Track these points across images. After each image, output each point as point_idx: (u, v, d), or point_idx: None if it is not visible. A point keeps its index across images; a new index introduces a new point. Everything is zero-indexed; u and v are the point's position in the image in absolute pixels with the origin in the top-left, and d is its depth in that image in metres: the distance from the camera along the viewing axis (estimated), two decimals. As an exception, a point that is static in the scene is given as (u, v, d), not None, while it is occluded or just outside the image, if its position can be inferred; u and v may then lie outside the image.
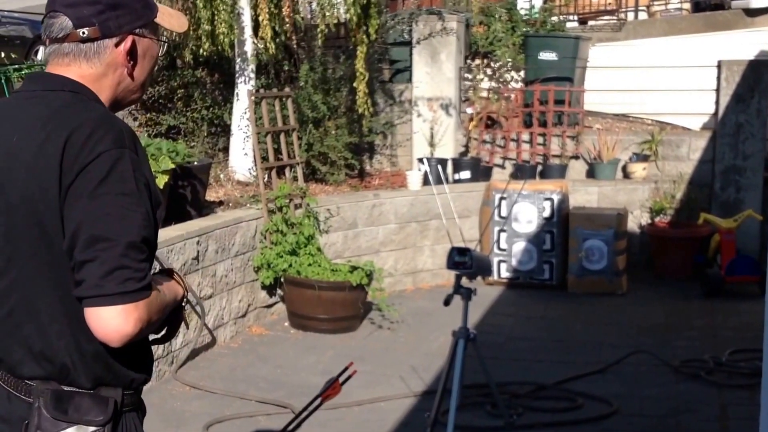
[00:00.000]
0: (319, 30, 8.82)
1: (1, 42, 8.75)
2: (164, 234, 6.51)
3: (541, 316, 8.10)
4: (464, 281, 4.75)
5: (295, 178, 8.30)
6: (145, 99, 9.78)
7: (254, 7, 8.84)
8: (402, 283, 8.96)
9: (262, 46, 8.82)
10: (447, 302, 4.68)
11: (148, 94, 9.77)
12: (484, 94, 10.73)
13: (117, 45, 2.08)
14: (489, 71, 11.10)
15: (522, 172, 9.93)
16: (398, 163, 10.55)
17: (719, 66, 9.84)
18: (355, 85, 9.04)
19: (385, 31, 10.57)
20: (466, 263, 4.68)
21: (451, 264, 4.72)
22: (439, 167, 9.10)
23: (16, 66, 9.19)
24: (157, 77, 9.89)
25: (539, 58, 10.50)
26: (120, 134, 1.96)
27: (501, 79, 10.98)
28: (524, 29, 11.04)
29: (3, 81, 8.48)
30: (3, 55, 8.67)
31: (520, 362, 6.78)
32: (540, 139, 10.22)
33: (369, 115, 9.38)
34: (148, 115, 9.70)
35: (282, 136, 8.31)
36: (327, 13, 8.94)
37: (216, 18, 8.60)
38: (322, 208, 8.29)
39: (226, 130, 9.49)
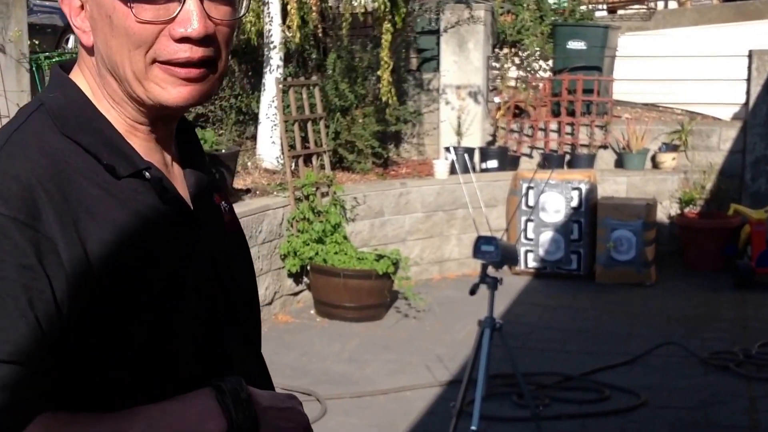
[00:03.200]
0: (344, 19, 8.81)
1: (32, 30, 8.82)
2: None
3: (568, 307, 8.05)
4: (490, 270, 4.73)
5: (322, 167, 8.30)
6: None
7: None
8: (428, 272, 8.94)
9: (291, 34, 8.82)
10: (473, 291, 4.66)
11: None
12: (512, 83, 10.68)
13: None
14: (517, 60, 11.04)
15: (550, 161, 9.86)
16: (425, 151, 10.52)
17: (750, 55, 9.73)
18: (379, 73, 9.03)
19: (412, 19, 10.54)
20: (492, 252, 4.66)
21: (477, 253, 4.70)
22: (466, 156, 9.07)
23: (47, 54, 9.24)
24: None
25: (568, 47, 10.43)
26: None
27: (529, 68, 10.92)
28: (553, 18, 10.97)
29: (34, 69, 8.54)
30: (37, 42, 8.77)
31: (546, 353, 6.74)
32: (568, 129, 10.15)
33: (393, 104, 9.37)
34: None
35: (309, 125, 8.30)
36: (354, 2, 8.94)
37: (244, 7, 8.61)
38: (348, 196, 8.28)
39: (253, 119, 9.50)
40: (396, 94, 9.34)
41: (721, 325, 7.48)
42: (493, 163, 9.76)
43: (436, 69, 10.59)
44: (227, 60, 1.34)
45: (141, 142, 1.35)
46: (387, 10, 8.83)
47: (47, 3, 12.71)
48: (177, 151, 1.44)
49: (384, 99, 9.04)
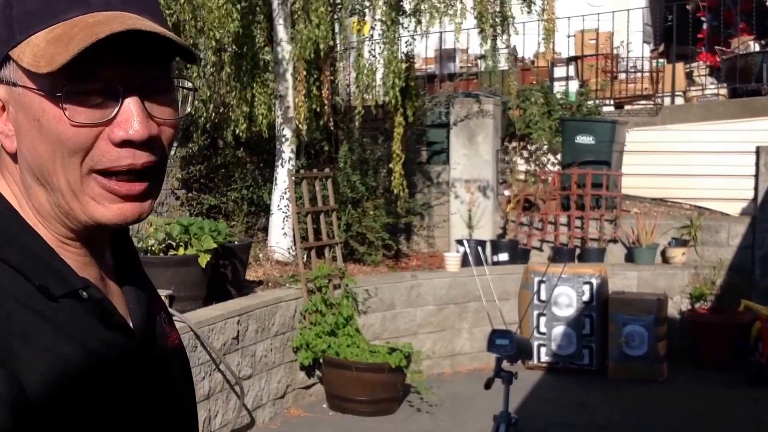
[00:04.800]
0: (356, 111, 8.97)
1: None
2: (205, 313, 6.55)
3: (581, 402, 7.98)
4: (505, 364, 4.72)
5: (334, 258, 8.33)
6: (187, 178, 9.90)
7: (295, 89, 9.02)
8: (440, 366, 8.89)
9: (300, 127, 8.97)
10: (488, 385, 4.64)
11: (189, 173, 9.90)
12: (522, 176, 10.79)
13: None
14: (526, 154, 11.17)
15: (560, 255, 9.91)
16: (435, 244, 10.57)
17: (758, 151, 9.83)
18: (391, 166, 9.15)
19: (422, 113, 10.72)
20: (507, 346, 4.66)
21: (492, 346, 4.70)
22: (479, 249, 9.11)
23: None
24: (199, 157, 10.04)
25: (576, 141, 10.56)
26: None
27: (538, 162, 11.05)
28: (561, 113, 11.14)
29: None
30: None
31: (560, 449, 6.67)
32: (578, 223, 10.21)
33: (404, 196, 9.46)
34: (190, 194, 9.82)
35: (321, 216, 8.37)
36: (366, 96, 9.11)
37: (255, 100, 8.78)
38: (360, 288, 8.29)
39: (265, 210, 9.58)
40: (407, 187, 9.44)
41: (734, 422, 7.40)
42: (504, 256, 9.79)
43: (446, 162, 10.72)
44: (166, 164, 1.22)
45: (74, 257, 1.20)
46: (399, 103, 8.99)
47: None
48: (111, 256, 1.30)
49: (396, 191, 9.14)
